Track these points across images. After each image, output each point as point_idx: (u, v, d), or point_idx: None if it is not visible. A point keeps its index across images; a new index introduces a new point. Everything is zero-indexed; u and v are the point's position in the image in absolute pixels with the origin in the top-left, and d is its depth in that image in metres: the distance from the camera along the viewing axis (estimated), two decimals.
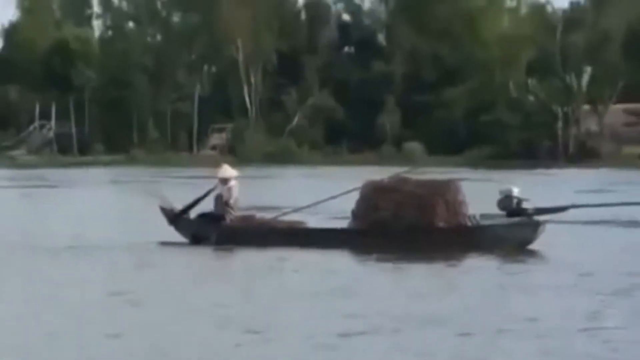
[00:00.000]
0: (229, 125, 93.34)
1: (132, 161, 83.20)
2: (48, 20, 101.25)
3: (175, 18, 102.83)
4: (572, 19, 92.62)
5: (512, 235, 19.53)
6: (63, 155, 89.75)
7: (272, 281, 16.14)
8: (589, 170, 63.39)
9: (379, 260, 18.60)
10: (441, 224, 19.40)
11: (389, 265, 18.15)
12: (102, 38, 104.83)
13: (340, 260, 18.95)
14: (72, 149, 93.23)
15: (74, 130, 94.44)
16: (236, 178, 21.36)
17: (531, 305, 13.33)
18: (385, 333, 11.03)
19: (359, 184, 20.63)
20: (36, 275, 16.81)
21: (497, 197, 19.78)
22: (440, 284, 15.93)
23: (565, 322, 11.77)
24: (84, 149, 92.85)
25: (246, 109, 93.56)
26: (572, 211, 21.43)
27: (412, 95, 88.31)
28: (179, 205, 21.53)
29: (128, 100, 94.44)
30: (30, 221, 28.99)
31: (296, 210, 21.88)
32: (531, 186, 23.26)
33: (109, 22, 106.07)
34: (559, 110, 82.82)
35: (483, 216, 20.39)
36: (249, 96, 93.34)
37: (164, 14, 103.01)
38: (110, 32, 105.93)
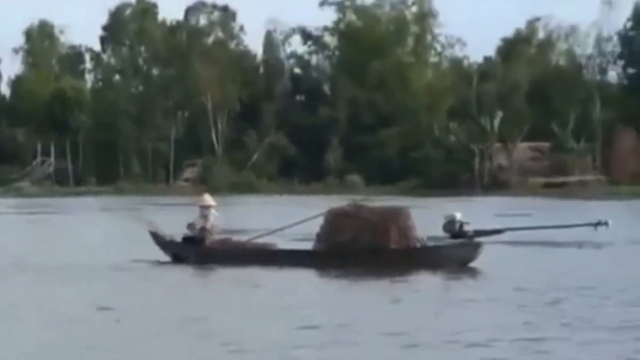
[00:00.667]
0: (200, 161, 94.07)
1: (119, 191, 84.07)
2: (48, 73, 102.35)
3: (155, 72, 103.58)
4: (485, 71, 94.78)
5: (455, 255, 19.12)
6: (61, 187, 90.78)
7: (243, 295, 15.62)
8: (501, 198, 64.33)
9: (338, 277, 18.13)
10: (394, 246, 18.92)
11: (347, 282, 17.71)
12: (93, 88, 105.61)
13: (305, 278, 18.35)
14: (68, 181, 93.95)
15: (70, 165, 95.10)
16: (215, 207, 20.87)
17: (469, 317, 13.06)
18: (341, 342, 10.69)
19: (322, 210, 20.17)
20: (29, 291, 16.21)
21: (442, 221, 19.42)
22: (389, 298, 15.24)
23: (499, 333, 11.36)
24: (79, 181, 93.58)
25: (214, 147, 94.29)
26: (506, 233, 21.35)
27: (353, 136, 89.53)
28: (165, 230, 21.11)
29: (115, 141, 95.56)
30: (34, 242, 28.84)
31: (268, 233, 21.10)
32: (457, 210, 22.77)
33: (99, 75, 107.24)
34: (475, 148, 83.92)
35: (430, 239, 19.97)
36: (216, 137, 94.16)
37: (145, 68, 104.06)
38: (100, 84, 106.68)
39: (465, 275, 18.40)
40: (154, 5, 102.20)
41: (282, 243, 21.01)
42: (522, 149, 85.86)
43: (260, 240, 21.11)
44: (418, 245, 19.18)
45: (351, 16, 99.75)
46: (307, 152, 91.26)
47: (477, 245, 18.75)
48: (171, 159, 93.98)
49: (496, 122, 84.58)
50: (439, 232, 19.62)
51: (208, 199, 20.65)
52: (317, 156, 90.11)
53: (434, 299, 15.36)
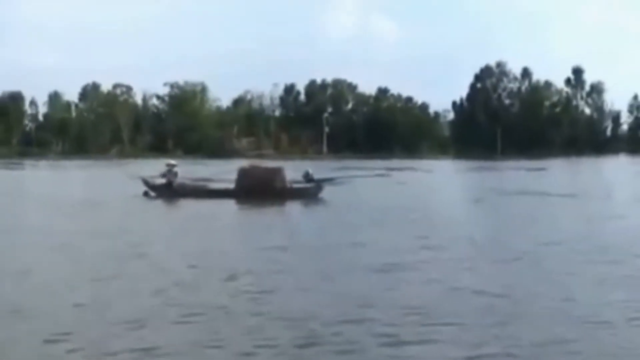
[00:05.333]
0: None
1: None
2: None
3: None
4: None
5: (309, 192, 29.75)
6: None
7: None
8: None
9: (248, 206, 26.75)
10: (277, 188, 29.36)
11: (251, 208, 26.37)
12: None
13: (227, 204, 27.39)
14: None
15: None
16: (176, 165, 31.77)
17: (315, 222, 22.93)
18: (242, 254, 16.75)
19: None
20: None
21: (301, 173, 30.66)
22: (277, 219, 23.91)
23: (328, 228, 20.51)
24: None
25: None
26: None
27: None
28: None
29: None
30: None
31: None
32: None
33: None
34: None
35: (294, 182, 30.29)
36: None
37: None
38: None
39: (315, 202, 28.29)
40: None
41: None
42: None
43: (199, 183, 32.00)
44: (289, 186, 30.00)
45: None
46: None
47: (320, 186, 30.29)
48: None
49: None
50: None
51: (172, 161, 31.79)
52: None
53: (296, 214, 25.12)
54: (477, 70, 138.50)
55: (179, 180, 31.02)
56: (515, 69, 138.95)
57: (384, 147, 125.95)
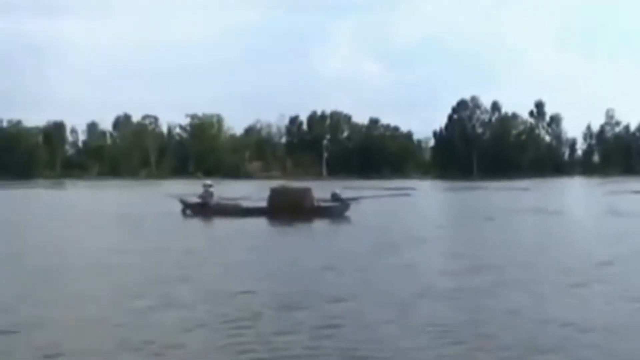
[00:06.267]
0: None
1: None
2: None
3: None
4: None
5: (336, 210, 27.19)
6: None
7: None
8: None
9: (281, 225, 24.11)
10: (306, 206, 26.91)
11: (284, 226, 23.68)
12: None
13: (260, 222, 24.63)
14: None
15: None
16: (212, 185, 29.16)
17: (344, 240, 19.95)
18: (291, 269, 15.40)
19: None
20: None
21: (329, 193, 28.10)
22: (315, 237, 21.48)
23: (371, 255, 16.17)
24: None
25: None
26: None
27: None
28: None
29: None
30: None
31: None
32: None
33: None
34: None
35: (322, 201, 27.86)
36: None
37: None
38: None
39: (342, 221, 25.53)
40: None
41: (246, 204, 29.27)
42: None
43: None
44: (317, 205, 27.60)
45: None
46: None
47: (347, 205, 27.71)
48: None
49: None
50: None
51: (208, 181, 29.16)
52: None
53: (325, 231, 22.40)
54: (454, 104, 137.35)
55: (215, 199, 28.47)
56: (487, 102, 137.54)
57: (375, 169, 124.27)
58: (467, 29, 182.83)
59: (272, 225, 24.60)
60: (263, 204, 27.76)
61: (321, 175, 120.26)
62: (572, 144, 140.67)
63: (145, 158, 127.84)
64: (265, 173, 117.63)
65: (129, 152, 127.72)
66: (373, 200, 31.83)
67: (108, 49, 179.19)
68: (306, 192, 27.49)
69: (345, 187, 50.68)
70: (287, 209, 26.30)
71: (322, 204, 27.41)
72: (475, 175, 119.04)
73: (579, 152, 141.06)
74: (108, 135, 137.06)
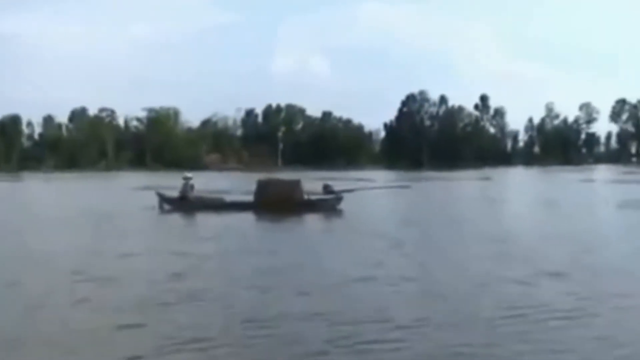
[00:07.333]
0: None
1: None
2: None
3: None
4: None
5: (328, 204, 24.05)
6: None
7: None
8: None
9: (272, 220, 21.10)
10: (296, 200, 23.70)
11: (272, 219, 21.01)
12: None
13: (247, 217, 21.58)
14: None
15: None
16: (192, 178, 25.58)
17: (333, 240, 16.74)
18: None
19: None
20: None
21: (321, 185, 24.86)
22: (294, 226, 19.13)
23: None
24: None
25: None
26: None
27: None
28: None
29: None
30: None
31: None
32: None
33: None
34: None
35: (312, 194, 24.48)
36: None
37: None
38: None
39: (334, 214, 22.66)
40: None
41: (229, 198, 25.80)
42: None
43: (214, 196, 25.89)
44: (307, 198, 24.29)
45: None
46: None
47: (340, 198, 24.54)
48: None
49: None
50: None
51: (188, 174, 25.60)
52: None
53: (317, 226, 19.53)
54: (403, 97, 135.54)
55: (195, 193, 24.99)
56: (434, 96, 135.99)
57: (328, 160, 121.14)
58: (415, 29, 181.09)
59: (260, 221, 21.36)
60: (249, 197, 24.45)
61: (276, 166, 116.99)
62: (515, 136, 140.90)
63: (102, 150, 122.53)
64: (222, 165, 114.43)
65: (86, 144, 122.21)
66: (365, 192, 28.80)
67: (64, 43, 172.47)
68: (296, 184, 24.27)
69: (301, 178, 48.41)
70: (275, 203, 23.17)
71: (313, 197, 24.14)
72: (426, 165, 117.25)
73: (521, 143, 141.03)
74: (64, 128, 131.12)
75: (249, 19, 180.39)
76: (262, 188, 23.97)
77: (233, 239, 16.06)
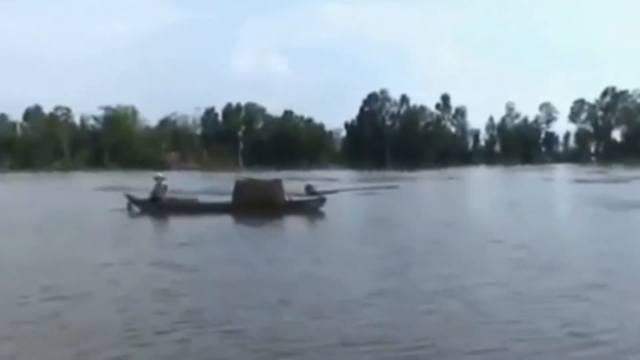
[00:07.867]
0: None
1: None
2: None
3: None
4: None
5: (310, 205, 22.78)
6: None
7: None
8: None
9: (246, 221, 20.00)
10: (278, 201, 22.41)
11: (252, 223, 19.71)
12: None
13: (225, 220, 20.34)
14: None
15: None
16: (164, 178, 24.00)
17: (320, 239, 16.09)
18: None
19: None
20: None
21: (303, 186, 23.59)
22: (278, 231, 17.95)
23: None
24: None
25: None
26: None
27: None
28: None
29: None
30: None
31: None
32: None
33: None
34: None
35: (295, 195, 23.28)
36: None
37: None
38: None
39: (317, 216, 21.39)
40: None
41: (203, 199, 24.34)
42: None
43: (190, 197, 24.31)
44: (288, 199, 23.01)
45: None
46: None
47: (323, 199, 23.25)
48: None
49: None
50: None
51: (160, 175, 24.02)
52: None
53: (302, 229, 18.50)
54: (364, 97, 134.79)
55: (168, 194, 23.42)
56: (396, 96, 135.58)
57: (290, 159, 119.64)
58: (376, 29, 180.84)
59: (239, 224, 19.98)
60: (226, 198, 23.01)
61: (237, 166, 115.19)
62: (476, 135, 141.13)
63: (59, 149, 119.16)
64: (182, 164, 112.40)
65: (42, 143, 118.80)
66: (348, 194, 27.58)
67: (18, 40, 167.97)
68: (276, 185, 22.88)
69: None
70: (255, 205, 21.82)
71: (295, 199, 22.81)
72: (389, 165, 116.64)
73: (482, 142, 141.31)
74: (18, 126, 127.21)
75: (209, 18, 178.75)
76: (241, 189, 22.59)
77: (212, 245, 14.59)
